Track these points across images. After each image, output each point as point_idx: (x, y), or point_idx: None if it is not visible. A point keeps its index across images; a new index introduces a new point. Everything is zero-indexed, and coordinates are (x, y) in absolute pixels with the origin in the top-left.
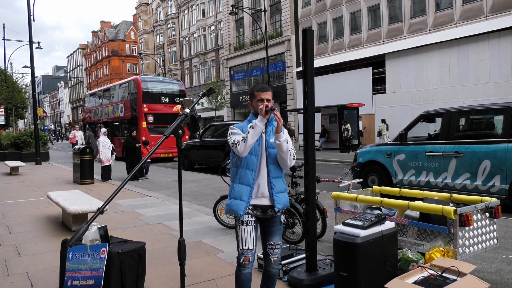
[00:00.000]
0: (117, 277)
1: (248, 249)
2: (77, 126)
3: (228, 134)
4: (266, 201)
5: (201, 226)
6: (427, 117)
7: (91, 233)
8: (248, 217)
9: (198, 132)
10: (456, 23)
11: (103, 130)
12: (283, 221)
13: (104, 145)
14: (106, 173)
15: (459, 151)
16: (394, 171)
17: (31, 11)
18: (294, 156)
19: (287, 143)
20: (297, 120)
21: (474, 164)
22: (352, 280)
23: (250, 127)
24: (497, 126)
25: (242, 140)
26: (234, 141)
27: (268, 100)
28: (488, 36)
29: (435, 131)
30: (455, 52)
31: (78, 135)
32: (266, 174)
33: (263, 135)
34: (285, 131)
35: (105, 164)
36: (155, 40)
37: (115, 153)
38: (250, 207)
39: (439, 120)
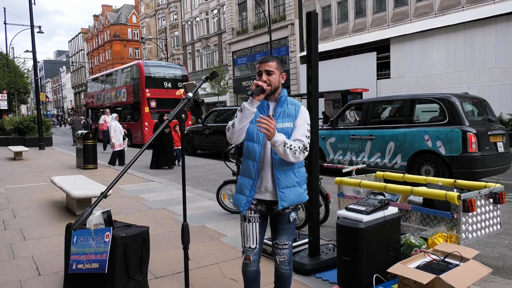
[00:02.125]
0: (121, 261)
1: (250, 247)
2: (108, 110)
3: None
4: (269, 196)
5: (204, 211)
6: (354, 106)
7: (95, 218)
8: (251, 213)
9: (201, 117)
10: (463, 7)
11: (114, 115)
12: (292, 220)
13: (116, 130)
14: (120, 158)
15: (372, 135)
16: (327, 151)
17: None
18: (304, 149)
19: (285, 145)
20: None
21: (383, 146)
22: (354, 265)
23: (238, 110)
24: (399, 114)
25: (232, 125)
26: (229, 125)
27: (268, 72)
28: (495, 20)
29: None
30: (461, 37)
31: (109, 120)
32: (269, 166)
33: None
34: (301, 117)
35: (116, 149)
36: (157, 24)
37: (127, 139)
38: (254, 202)
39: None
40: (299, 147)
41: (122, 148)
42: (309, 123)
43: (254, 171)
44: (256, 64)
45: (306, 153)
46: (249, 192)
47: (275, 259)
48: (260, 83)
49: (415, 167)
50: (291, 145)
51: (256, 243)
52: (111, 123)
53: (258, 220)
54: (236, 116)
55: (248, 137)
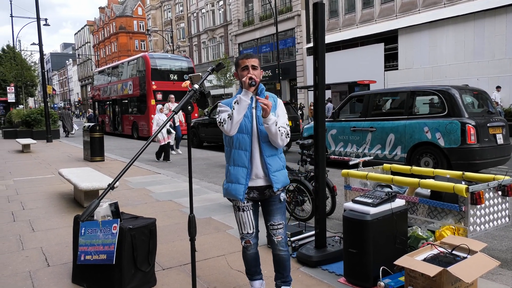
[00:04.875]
0: (128, 252)
1: (248, 233)
2: (172, 96)
3: (216, 112)
4: (261, 182)
5: (211, 203)
6: (355, 98)
7: (103, 209)
8: (243, 202)
9: (207, 109)
10: None
11: (159, 106)
12: (282, 199)
13: (159, 123)
14: (164, 153)
15: (373, 127)
16: (329, 143)
17: None
18: (287, 135)
19: (276, 125)
20: (306, 97)
21: (383, 137)
22: (361, 257)
23: (235, 102)
24: (399, 106)
25: (228, 117)
26: (220, 119)
27: (254, 67)
28: (505, 10)
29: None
30: (470, 27)
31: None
32: (258, 153)
33: (254, 110)
34: (279, 108)
35: (162, 144)
36: (163, 16)
37: (173, 132)
38: (246, 191)
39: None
40: (285, 132)
41: (167, 143)
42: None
43: (247, 160)
44: (238, 60)
45: (289, 139)
46: (244, 180)
47: (273, 241)
48: (253, 76)
49: (415, 159)
50: (279, 128)
51: (253, 228)
52: (155, 115)
53: (251, 208)
54: (233, 108)
55: (238, 129)
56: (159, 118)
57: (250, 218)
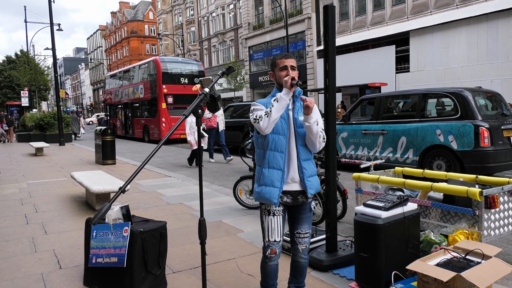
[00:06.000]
0: (139, 255)
1: (275, 241)
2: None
3: (250, 111)
4: (296, 187)
5: (221, 206)
6: (366, 100)
7: (114, 212)
8: (276, 206)
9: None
10: None
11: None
12: (313, 208)
13: (192, 125)
14: (196, 158)
15: (384, 130)
16: (339, 146)
17: None
18: (324, 138)
19: (317, 124)
20: (317, 100)
21: (395, 140)
22: (372, 261)
23: (274, 100)
24: (411, 109)
25: (265, 115)
26: (256, 116)
27: (292, 68)
28: None
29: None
30: (483, 28)
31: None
32: (296, 156)
33: (290, 112)
34: (316, 110)
35: (194, 148)
36: (174, 20)
37: (206, 136)
38: (280, 195)
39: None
40: (322, 135)
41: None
42: None
43: (283, 162)
44: (276, 60)
45: (324, 144)
46: (280, 183)
47: (296, 248)
48: (295, 74)
49: (427, 162)
50: (319, 130)
51: (281, 236)
52: (188, 118)
53: (282, 213)
54: (273, 106)
55: (274, 130)
56: (192, 121)
57: (280, 224)
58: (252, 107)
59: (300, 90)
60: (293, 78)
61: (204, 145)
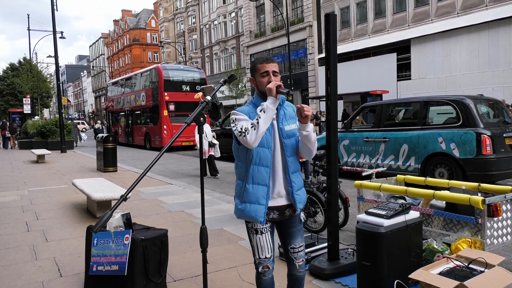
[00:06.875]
0: (140, 263)
1: (266, 258)
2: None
3: (231, 121)
4: (283, 201)
5: (223, 214)
6: (367, 108)
7: (115, 220)
8: (263, 224)
9: (219, 120)
10: (486, 6)
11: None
12: (303, 219)
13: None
14: (209, 166)
15: (386, 137)
16: (341, 154)
17: (54, 1)
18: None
19: (314, 131)
20: (318, 108)
21: (396, 148)
22: (375, 270)
23: (260, 110)
24: (412, 116)
25: (252, 127)
26: (241, 129)
27: (275, 73)
28: None
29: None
30: (484, 36)
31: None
32: (281, 169)
33: (275, 122)
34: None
35: (206, 157)
36: (176, 28)
37: (217, 143)
38: (266, 212)
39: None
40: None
41: (210, 155)
42: None
43: (268, 177)
44: (256, 64)
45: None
46: (265, 200)
47: (293, 264)
48: (277, 80)
49: (429, 170)
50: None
51: (271, 251)
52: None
53: (270, 229)
54: (260, 117)
55: (259, 143)
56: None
57: (269, 241)
58: (233, 116)
59: (283, 98)
60: (279, 86)
61: (216, 153)
